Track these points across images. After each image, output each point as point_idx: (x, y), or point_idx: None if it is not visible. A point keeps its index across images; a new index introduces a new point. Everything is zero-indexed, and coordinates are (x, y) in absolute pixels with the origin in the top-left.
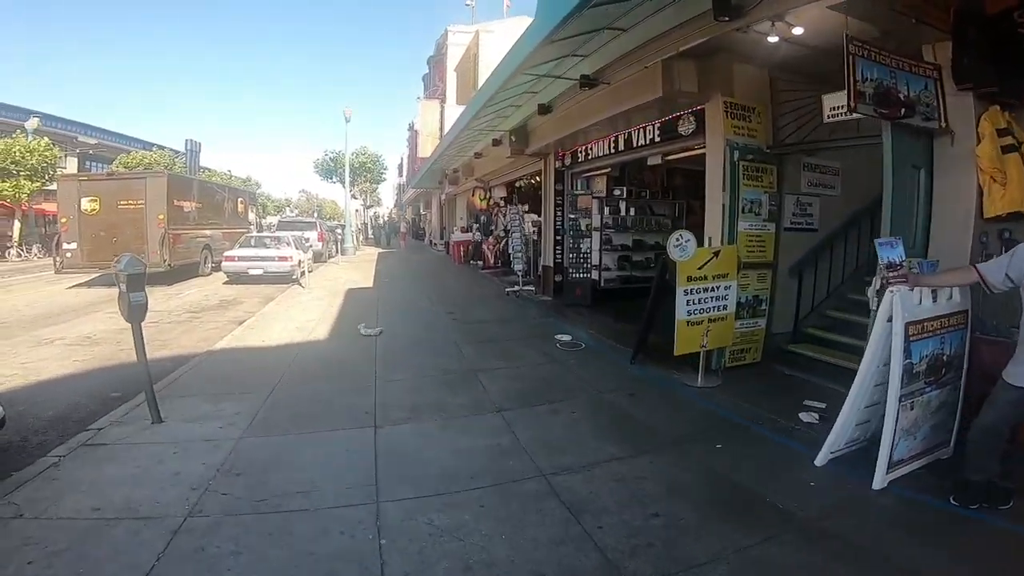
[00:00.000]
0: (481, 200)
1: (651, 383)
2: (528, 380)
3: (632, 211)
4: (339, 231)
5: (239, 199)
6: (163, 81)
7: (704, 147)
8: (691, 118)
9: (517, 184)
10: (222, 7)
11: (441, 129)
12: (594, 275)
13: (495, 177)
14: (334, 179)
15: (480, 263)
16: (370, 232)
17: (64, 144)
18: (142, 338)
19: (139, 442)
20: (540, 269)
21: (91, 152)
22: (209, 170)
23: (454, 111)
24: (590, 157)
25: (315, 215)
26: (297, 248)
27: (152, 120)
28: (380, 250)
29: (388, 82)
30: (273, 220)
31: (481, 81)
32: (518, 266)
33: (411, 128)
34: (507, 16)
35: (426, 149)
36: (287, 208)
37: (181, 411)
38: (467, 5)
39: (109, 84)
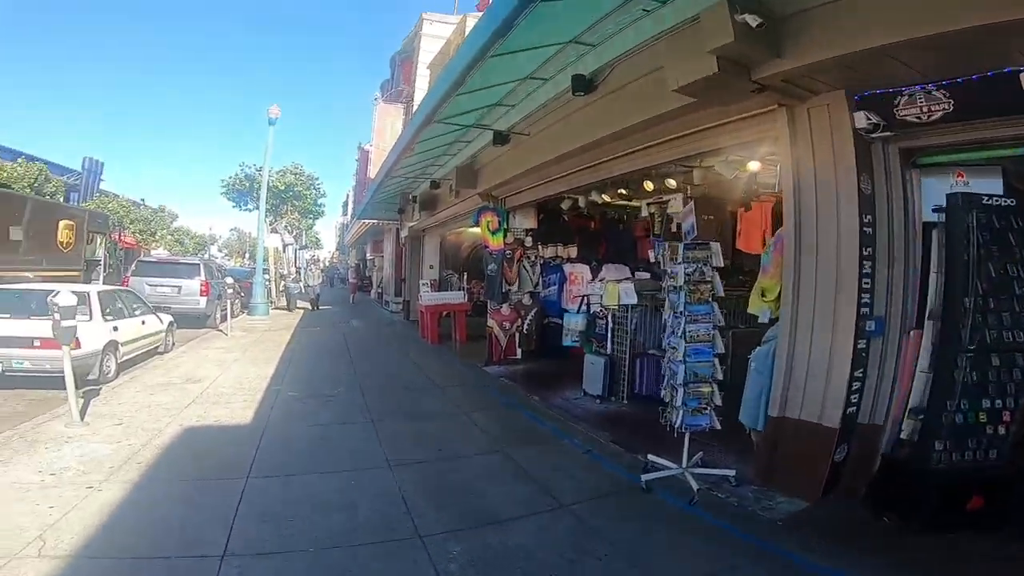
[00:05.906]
0: (494, 234)
1: None
2: None
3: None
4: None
5: (61, 220)
6: (67, 98)
7: None
8: None
9: (578, 206)
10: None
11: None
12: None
13: (538, 184)
14: (249, 204)
15: (463, 348)
16: (297, 281)
17: None
18: None
19: None
20: (761, 427)
21: None
22: (108, 195)
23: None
24: None
25: (247, 257)
26: (112, 316)
27: (62, 142)
28: (306, 308)
29: (340, 105)
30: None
31: None
32: (701, 421)
33: (360, 150)
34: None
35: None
36: (212, 247)
37: None
38: None
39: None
